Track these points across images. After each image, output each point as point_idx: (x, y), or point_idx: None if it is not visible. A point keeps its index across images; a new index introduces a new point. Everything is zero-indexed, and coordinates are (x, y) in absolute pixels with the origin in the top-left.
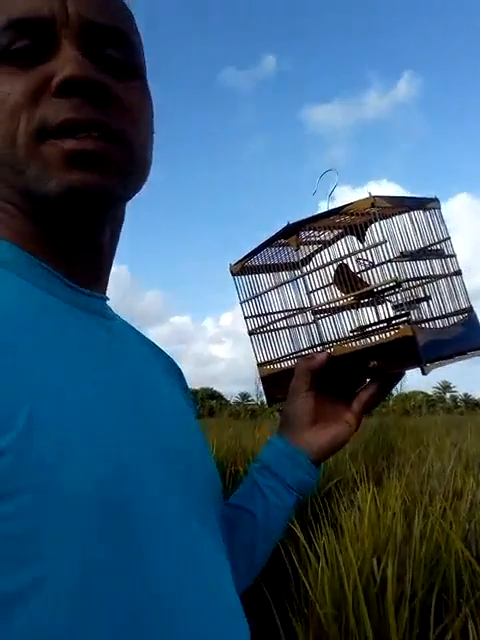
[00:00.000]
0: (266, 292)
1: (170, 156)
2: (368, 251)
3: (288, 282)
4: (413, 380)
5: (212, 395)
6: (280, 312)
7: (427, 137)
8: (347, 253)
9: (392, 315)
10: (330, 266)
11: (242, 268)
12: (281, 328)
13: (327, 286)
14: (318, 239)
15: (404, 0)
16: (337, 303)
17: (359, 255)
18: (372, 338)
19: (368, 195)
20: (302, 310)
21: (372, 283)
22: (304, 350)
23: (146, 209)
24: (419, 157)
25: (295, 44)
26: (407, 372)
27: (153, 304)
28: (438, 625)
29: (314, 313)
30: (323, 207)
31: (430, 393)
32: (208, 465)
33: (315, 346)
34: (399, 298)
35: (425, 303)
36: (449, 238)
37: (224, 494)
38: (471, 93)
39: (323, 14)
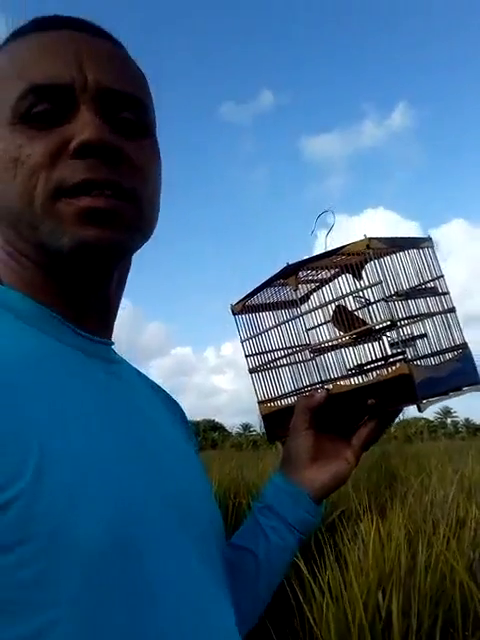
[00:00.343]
0: (266, 331)
1: (171, 189)
2: (364, 290)
3: (287, 321)
4: (414, 406)
5: (214, 427)
6: (280, 350)
7: (422, 165)
8: (344, 292)
9: (389, 353)
10: (328, 305)
11: (243, 307)
12: (281, 366)
13: (325, 324)
14: (316, 278)
15: (395, 34)
16: (335, 341)
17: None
18: (370, 375)
19: (364, 237)
20: (301, 348)
21: (369, 320)
22: (304, 388)
23: (148, 241)
24: (415, 185)
25: (290, 79)
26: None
27: (155, 336)
28: None
29: (313, 351)
30: (321, 240)
31: (431, 419)
32: (210, 506)
33: (314, 384)
34: (395, 336)
35: (421, 340)
36: (443, 276)
37: (227, 527)
38: (464, 122)
39: (316, 48)
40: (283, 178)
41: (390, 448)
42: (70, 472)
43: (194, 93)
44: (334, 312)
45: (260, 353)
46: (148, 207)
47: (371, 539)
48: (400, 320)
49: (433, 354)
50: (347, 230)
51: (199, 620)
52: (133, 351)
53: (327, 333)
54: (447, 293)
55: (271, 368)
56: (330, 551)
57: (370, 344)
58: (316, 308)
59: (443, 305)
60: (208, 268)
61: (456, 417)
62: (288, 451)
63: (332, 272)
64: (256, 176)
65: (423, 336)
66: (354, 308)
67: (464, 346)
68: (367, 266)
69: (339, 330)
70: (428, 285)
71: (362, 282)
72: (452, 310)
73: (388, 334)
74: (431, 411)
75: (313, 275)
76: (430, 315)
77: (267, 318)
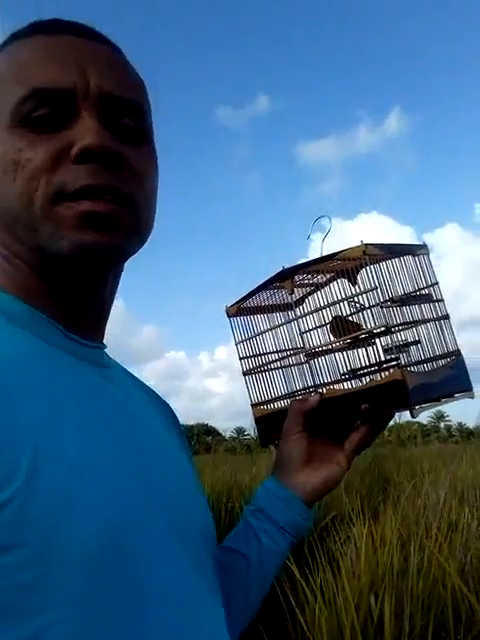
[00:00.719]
0: (261, 334)
1: (167, 192)
2: (360, 295)
3: (282, 324)
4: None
5: (208, 431)
6: (274, 353)
7: (417, 171)
8: (339, 297)
9: (383, 358)
10: (323, 309)
11: (238, 310)
12: (275, 369)
13: (320, 328)
14: (311, 282)
15: (389, 40)
16: (329, 345)
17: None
18: (363, 380)
19: (360, 242)
20: (295, 351)
21: (363, 325)
22: (297, 391)
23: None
24: (409, 190)
25: (286, 84)
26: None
27: (148, 340)
28: None
29: (307, 354)
30: (317, 244)
31: (425, 423)
32: (202, 508)
33: (308, 388)
34: (389, 341)
35: (414, 346)
36: (437, 283)
37: (220, 531)
38: (457, 128)
39: (312, 53)
40: (278, 183)
41: (384, 452)
42: (64, 473)
43: (190, 97)
44: (331, 320)
45: (254, 356)
46: (145, 212)
47: (364, 543)
48: (394, 326)
49: (426, 360)
50: (341, 234)
51: (190, 622)
52: (127, 354)
53: (321, 337)
54: (441, 300)
55: (265, 371)
56: (323, 555)
57: (364, 349)
58: (311, 312)
59: (437, 312)
60: (202, 272)
61: (449, 421)
62: (280, 454)
63: (328, 277)
64: (251, 180)
65: (417, 342)
66: (349, 313)
67: (457, 353)
68: (362, 271)
69: (333, 335)
70: (423, 292)
71: (357, 287)
72: (446, 317)
73: (382, 339)
74: (424, 415)
75: (309, 279)
76: (424, 322)
77: (262, 321)
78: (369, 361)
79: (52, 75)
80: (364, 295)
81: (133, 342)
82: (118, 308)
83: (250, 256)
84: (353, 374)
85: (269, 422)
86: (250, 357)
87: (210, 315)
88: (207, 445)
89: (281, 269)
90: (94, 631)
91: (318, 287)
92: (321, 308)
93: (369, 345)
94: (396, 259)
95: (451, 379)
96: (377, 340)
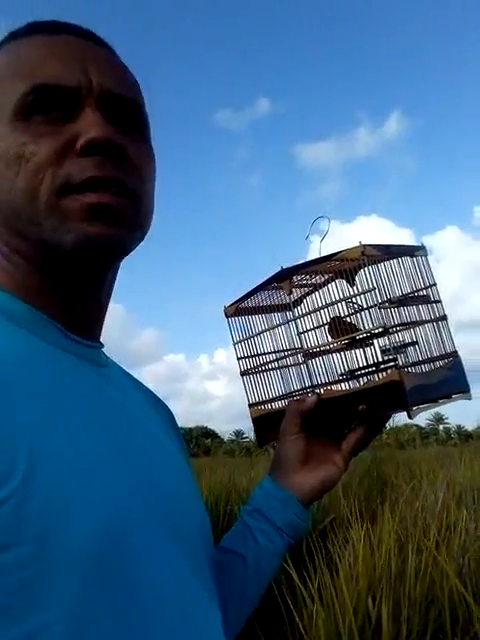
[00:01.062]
0: (259, 334)
1: (167, 194)
2: (358, 296)
3: (280, 324)
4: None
5: (207, 434)
6: (272, 353)
7: (416, 173)
8: (337, 297)
9: (380, 359)
10: (321, 310)
11: (236, 310)
12: (273, 369)
13: (317, 328)
14: (310, 282)
15: (389, 43)
16: (327, 346)
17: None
18: (361, 380)
19: (359, 243)
20: (293, 352)
21: (361, 326)
22: (295, 392)
23: (141, 247)
24: (408, 193)
25: (286, 87)
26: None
27: (148, 343)
28: None
29: (305, 355)
30: (315, 246)
31: (423, 425)
32: (199, 509)
33: (306, 388)
34: (387, 342)
35: (412, 347)
36: (435, 284)
37: (218, 533)
38: (457, 131)
39: (313, 56)
40: (278, 185)
41: (382, 454)
42: (62, 473)
43: (190, 100)
44: (329, 321)
45: (252, 356)
46: (146, 206)
47: (361, 545)
48: (392, 327)
49: (424, 361)
50: (340, 236)
51: (187, 623)
52: (126, 357)
53: (319, 338)
54: (439, 301)
55: (263, 371)
56: (321, 557)
57: (362, 350)
58: (309, 313)
59: (435, 313)
60: (202, 275)
61: (448, 424)
62: (278, 455)
63: (326, 277)
64: (251, 182)
65: (414, 343)
66: (347, 313)
67: (454, 354)
68: (361, 272)
69: (331, 336)
70: (421, 293)
71: (355, 288)
72: (443, 318)
73: (380, 340)
74: (423, 418)
75: (307, 280)
76: (422, 323)
77: (260, 321)
78: (367, 362)
79: (58, 72)
80: (362, 296)
81: (133, 345)
82: (118, 312)
83: (249, 257)
84: (351, 375)
85: (266, 422)
86: (248, 357)
87: (209, 318)
88: (206, 448)
89: (279, 269)
90: (90, 632)
91: (316, 288)
92: (319, 309)
93: (367, 346)
94: (394, 260)
95: (449, 380)
96: (375, 341)
